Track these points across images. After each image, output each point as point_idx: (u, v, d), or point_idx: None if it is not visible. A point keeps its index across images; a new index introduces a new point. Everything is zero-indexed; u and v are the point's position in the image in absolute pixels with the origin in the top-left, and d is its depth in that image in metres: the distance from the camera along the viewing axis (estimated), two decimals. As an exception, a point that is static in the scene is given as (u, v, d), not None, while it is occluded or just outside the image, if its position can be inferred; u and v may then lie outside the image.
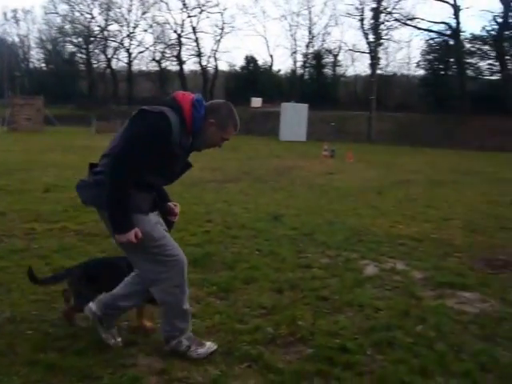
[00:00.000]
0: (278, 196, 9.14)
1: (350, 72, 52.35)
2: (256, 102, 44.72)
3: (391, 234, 6.19)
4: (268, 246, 5.46)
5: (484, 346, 3.22)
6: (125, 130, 2.73)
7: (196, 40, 52.86)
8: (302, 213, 7.49)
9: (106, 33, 55.73)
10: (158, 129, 2.64)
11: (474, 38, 36.86)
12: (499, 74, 36.77)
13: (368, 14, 41.90)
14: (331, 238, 5.90)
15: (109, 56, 56.45)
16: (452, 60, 38.15)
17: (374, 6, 38.76)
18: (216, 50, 52.96)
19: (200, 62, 53.24)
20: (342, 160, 17.40)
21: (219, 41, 52.75)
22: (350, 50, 48.85)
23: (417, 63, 41.77)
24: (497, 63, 36.63)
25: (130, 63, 55.59)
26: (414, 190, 10.50)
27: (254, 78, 48.48)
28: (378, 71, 41.47)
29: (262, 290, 4.11)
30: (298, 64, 49.45)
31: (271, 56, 51.56)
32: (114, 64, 57.55)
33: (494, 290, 4.26)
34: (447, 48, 38.06)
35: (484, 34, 36.58)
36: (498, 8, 42.76)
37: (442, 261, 5.12)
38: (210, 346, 3.01)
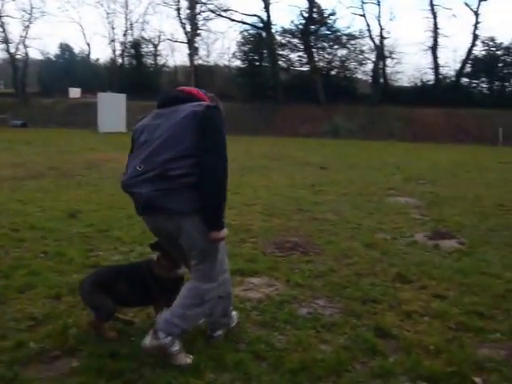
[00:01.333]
0: (81, 191, 8.49)
1: (172, 62, 52.07)
2: (74, 92, 42.70)
3: (191, 224, 6.07)
4: (56, 247, 4.96)
5: (262, 332, 3.21)
6: (197, 129, 2.61)
7: (1, 25, 47.50)
8: (103, 208, 7.02)
9: None
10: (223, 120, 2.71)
11: (284, 31, 39.31)
12: (307, 66, 39.72)
13: (184, 4, 42.14)
14: (128, 232, 5.59)
15: None
16: (265, 51, 40.09)
17: (190, -5, 39.00)
18: (25, 37, 48.22)
19: (8, 50, 48.07)
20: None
21: (28, 26, 48.02)
22: (169, 39, 48.65)
23: (233, 54, 43.08)
24: (305, 55, 39.53)
25: None
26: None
27: (70, 67, 45.44)
28: (200, 61, 41.95)
29: (38, 297, 3.66)
30: (118, 53, 47.61)
31: (88, 44, 48.33)
32: None
33: (281, 273, 4.35)
34: (260, 40, 39.90)
35: (293, 27, 39.16)
36: (304, 3, 46.07)
37: (237, 248, 5.12)
38: None
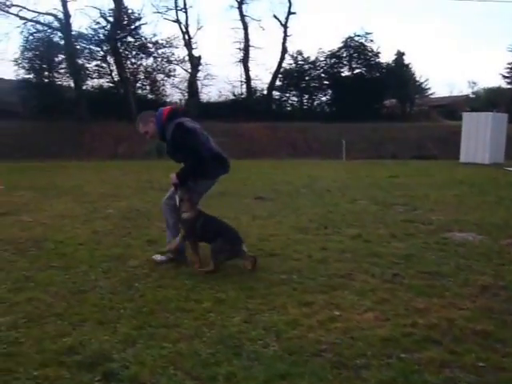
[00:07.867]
0: None
1: None
2: None
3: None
4: None
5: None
6: None
7: None
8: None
9: None
10: None
11: (80, 36, 32.90)
12: (109, 77, 34.93)
13: None
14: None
15: None
16: (57, 59, 33.16)
17: None
18: None
19: None
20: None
21: None
22: None
23: (15, 61, 33.31)
24: (105, 65, 34.56)
25: None
26: None
27: None
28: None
29: None
30: None
31: None
32: None
33: None
34: (50, 45, 32.10)
35: (91, 32, 33.22)
36: (108, 4, 40.01)
37: None
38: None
